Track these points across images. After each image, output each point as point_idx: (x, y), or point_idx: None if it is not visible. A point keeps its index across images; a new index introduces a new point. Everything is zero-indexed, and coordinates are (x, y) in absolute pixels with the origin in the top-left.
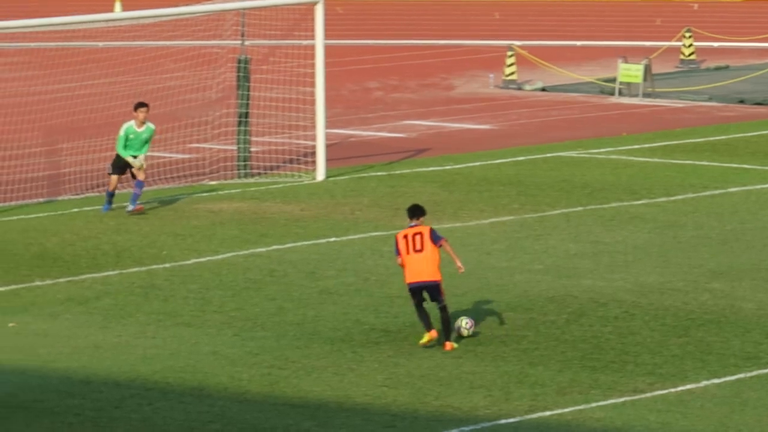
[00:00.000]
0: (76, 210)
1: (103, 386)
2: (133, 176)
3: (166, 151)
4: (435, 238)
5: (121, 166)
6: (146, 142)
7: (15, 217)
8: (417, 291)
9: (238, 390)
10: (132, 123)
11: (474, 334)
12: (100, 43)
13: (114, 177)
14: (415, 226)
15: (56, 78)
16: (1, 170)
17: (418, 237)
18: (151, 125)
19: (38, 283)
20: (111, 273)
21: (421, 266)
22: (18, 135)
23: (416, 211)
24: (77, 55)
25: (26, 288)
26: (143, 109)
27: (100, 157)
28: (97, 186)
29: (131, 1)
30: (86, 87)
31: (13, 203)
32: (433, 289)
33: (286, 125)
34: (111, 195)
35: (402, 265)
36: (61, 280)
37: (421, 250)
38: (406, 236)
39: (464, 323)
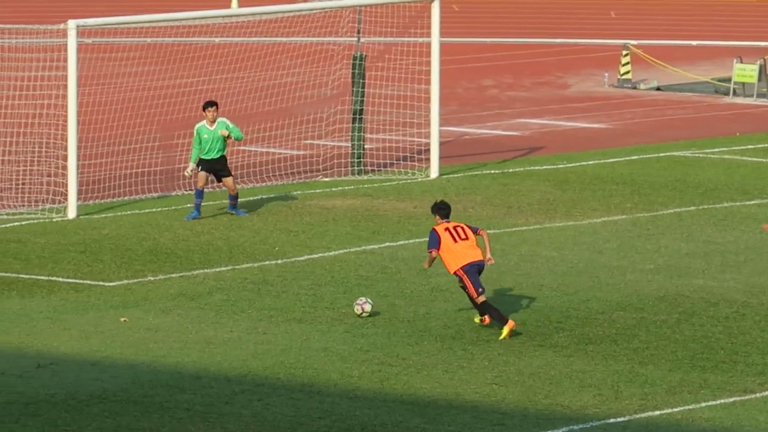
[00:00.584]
0: (189, 205)
1: (213, 381)
2: (218, 179)
3: (281, 148)
4: (473, 228)
5: (206, 165)
6: (222, 140)
7: (129, 212)
8: (474, 270)
9: (348, 386)
10: (204, 123)
11: (373, 314)
12: (217, 39)
13: (203, 173)
14: (449, 221)
15: (173, 73)
16: (116, 165)
17: (459, 229)
18: (222, 119)
19: (151, 278)
20: (223, 269)
21: (472, 250)
22: (134, 130)
23: (448, 210)
24: (194, 51)
25: (139, 283)
26: (211, 109)
27: None
28: (212, 181)
29: None
30: (202, 83)
31: (127, 198)
32: (482, 268)
33: (401, 122)
34: (200, 193)
35: (434, 258)
36: (174, 275)
37: (467, 239)
38: (447, 229)
39: (361, 307)
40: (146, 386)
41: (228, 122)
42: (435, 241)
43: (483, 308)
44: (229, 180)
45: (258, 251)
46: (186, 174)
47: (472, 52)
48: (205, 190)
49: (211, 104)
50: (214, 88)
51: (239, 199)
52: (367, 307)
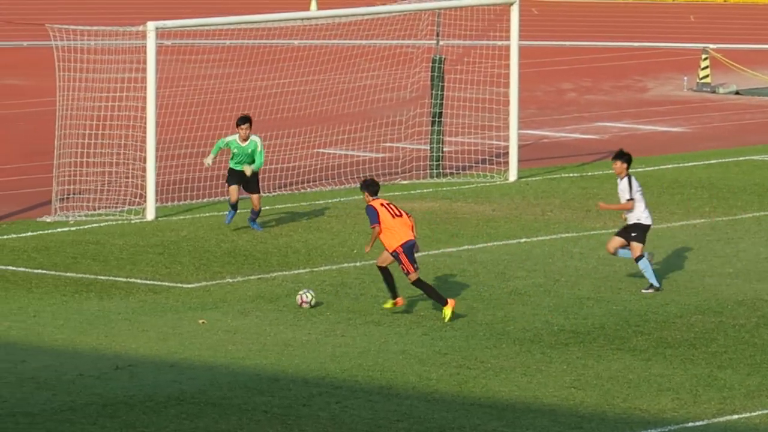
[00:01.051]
0: (267, 208)
1: (291, 384)
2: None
3: (359, 150)
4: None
5: (236, 176)
6: (253, 155)
7: (207, 214)
8: (410, 248)
9: (426, 389)
10: (235, 137)
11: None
12: (296, 41)
13: (233, 187)
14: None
15: (252, 76)
16: (195, 167)
17: (392, 206)
18: (255, 138)
19: (229, 280)
20: (302, 271)
21: (407, 228)
22: (213, 132)
23: (377, 187)
24: (273, 53)
25: (217, 285)
26: (244, 126)
27: (292, 156)
28: (291, 184)
29: (327, 0)
30: (281, 85)
31: (205, 200)
32: (415, 246)
33: (479, 125)
34: (233, 206)
35: (380, 233)
36: (252, 277)
37: (400, 216)
38: (383, 204)
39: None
40: (224, 388)
41: (259, 143)
42: (375, 216)
43: (417, 285)
44: (255, 197)
45: (336, 254)
46: (205, 162)
47: (551, 55)
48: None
49: (245, 120)
50: (293, 91)
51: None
52: (307, 297)
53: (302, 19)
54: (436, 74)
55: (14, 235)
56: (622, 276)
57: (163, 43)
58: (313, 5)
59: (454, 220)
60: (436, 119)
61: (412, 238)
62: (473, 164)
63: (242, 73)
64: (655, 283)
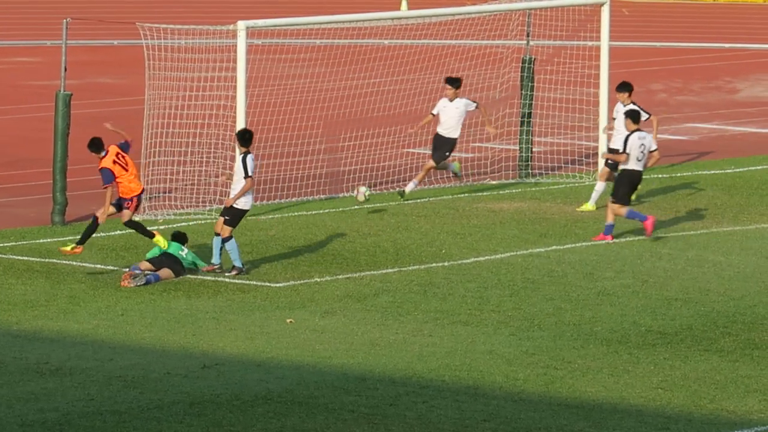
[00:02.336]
0: (356, 207)
1: (378, 383)
2: None
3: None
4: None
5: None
6: None
7: (296, 213)
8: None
9: (513, 389)
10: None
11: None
12: (386, 41)
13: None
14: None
15: (343, 75)
16: (284, 166)
17: (121, 157)
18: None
19: (317, 279)
20: (390, 270)
21: (137, 181)
22: (302, 132)
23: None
24: (364, 53)
25: (305, 284)
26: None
27: (382, 155)
28: (380, 183)
29: (417, 0)
30: (372, 85)
31: (295, 200)
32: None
33: (569, 126)
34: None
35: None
36: (340, 276)
37: (127, 169)
38: (115, 162)
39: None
40: (311, 387)
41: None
42: (111, 177)
43: (129, 225)
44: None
45: (424, 253)
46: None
47: (642, 56)
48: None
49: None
50: (383, 91)
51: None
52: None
53: (392, 18)
54: (525, 74)
55: (103, 234)
56: (710, 277)
57: (253, 42)
58: (404, 5)
59: (543, 221)
60: (526, 119)
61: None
62: (562, 165)
63: (332, 72)
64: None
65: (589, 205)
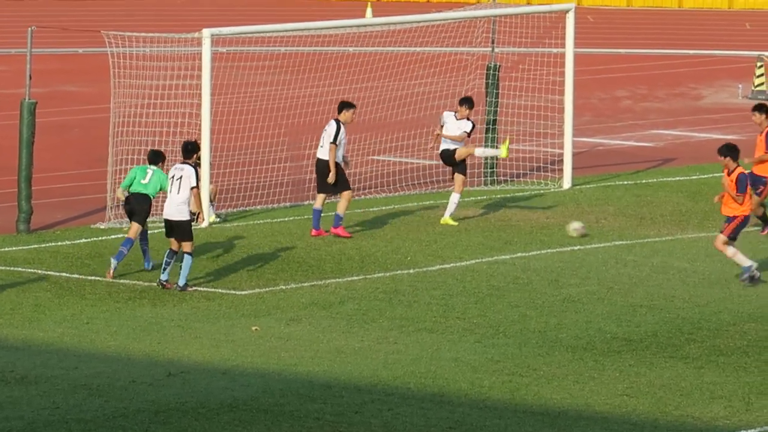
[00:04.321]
0: (322, 215)
1: (344, 391)
2: None
3: (414, 158)
4: None
5: None
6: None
7: (261, 221)
8: None
9: (478, 396)
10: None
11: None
12: (351, 48)
13: None
14: None
15: (307, 83)
16: (250, 174)
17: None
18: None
19: (282, 287)
20: (355, 278)
21: None
22: (267, 140)
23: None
24: (328, 60)
25: (270, 292)
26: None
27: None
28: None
29: (382, 7)
30: (337, 92)
31: (260, 207)
32: None
33: (534, 133)
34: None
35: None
36: (305, 284)
37: None
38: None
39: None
40: (277, 395)
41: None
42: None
43: None
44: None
45: (390, 261)
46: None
47: (607, 62)
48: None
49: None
50: (348, 98)
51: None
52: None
53: (357, 26)
54: (490, 81)
55: (69, 242)
56: (675, 284)
57: (218, 50)
58: (369, 13)
59: (508, 228)
60: (491, 126)
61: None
62: (527, 172)
63: (297, 80)
64: None
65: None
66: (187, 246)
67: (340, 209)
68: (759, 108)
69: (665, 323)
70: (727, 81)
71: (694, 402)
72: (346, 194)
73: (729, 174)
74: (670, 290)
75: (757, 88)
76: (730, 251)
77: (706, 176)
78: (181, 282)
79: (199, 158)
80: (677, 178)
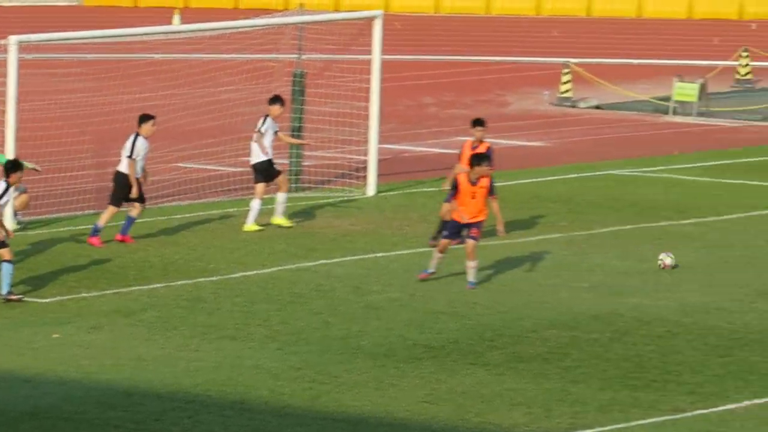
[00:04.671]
0: (122, 222)
1: (144, 399)
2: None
3: (219, 165)
4: None
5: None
6: None
7: (64, 229)
8: None
9: (278, 404)
10: None
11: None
12: (157, 55)
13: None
14: None
15: (114, 90)
16: (53, 182)
17: None
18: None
19: (84, 294)
20: (158, 285)
21: None
22: (72, 147)
23: None
24: (136, 67)
25: (72, 299)
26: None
27: (152, 170)
28: (149, 198)
29: (190, 14)
30: (143, 99)
31: (63, 214)
32: None
33: (340, 140)
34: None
35: None
36: (108, 291)
37: None
38: None
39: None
40: (77, 403)
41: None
42: None
43: None
44: None
45: (192, 268)
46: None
47: (414, 69)
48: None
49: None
50: (154, 105)
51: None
52: (668, 261)
53: (165, 33)
54: (297, 88)
55: None
56: (476, 290)
57: (24, 57)
58: (176, 19)
59: (311, 235)
60: (296, 133)
61: None
62: (332, 179)
63: (103, 87)
64: None
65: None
66: (5, 254)
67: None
68: (477, 122)
69: (466, 330)
70: (534, 88)
71: (494, 409)
72: (137, 206)
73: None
74: (471, 297)
75: (563, 95)
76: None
77: (510, 183)
78: (4, 290)
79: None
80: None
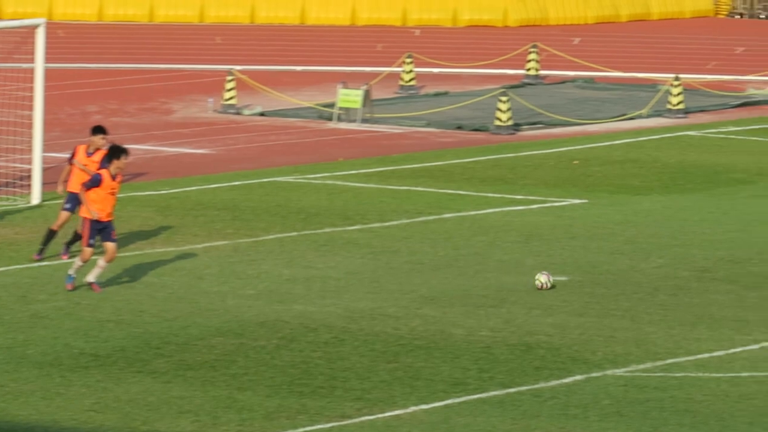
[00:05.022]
0: None
1: None
2: None
3: None
4: None
5: None
6: None
7: None
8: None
9: None
10: None
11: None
12: None
13: None
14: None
15: None
16: None
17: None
18: None
19: None
20: None
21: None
22: None
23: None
24: None
25: None
26: None
27: None
28: None
29: None
30: None
31: None
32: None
33: (3, 148)
34: None
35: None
36: None
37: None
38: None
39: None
40: None
41: None
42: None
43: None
44: None
45: None
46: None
47: (78, 77)
48: None
49: None
50: None
51: None
52: (543, 279)
53: None
54: None
55: None
56: (143, 298)
57: None
58: None
59: None
60: None
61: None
62: None
63: None
64: None
65: None
66: None
67: None
68: (99, 130)
69: (133, 338)
70: (198, 95)
71: (162, 416)
72: None
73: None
74: (138, 305)
75: (227, 102)
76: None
77: (175, 190)
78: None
79: None
80: (146, 193)
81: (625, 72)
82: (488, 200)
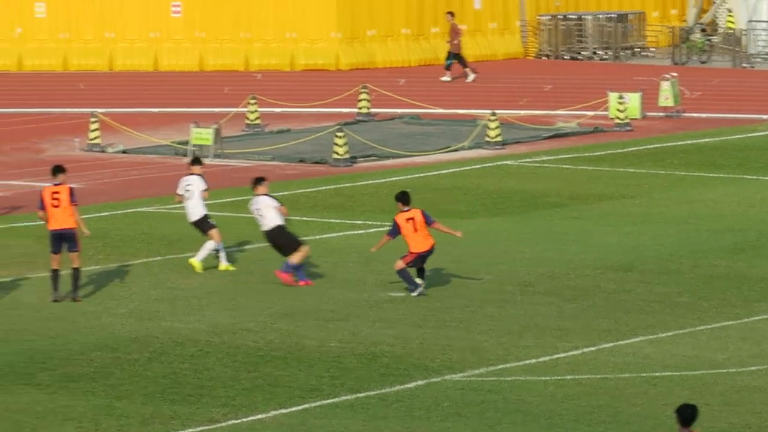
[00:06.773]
0: None
1: None
2: None
3: None
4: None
5: None
6: None
7: None
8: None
9: None
10: None
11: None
12: None
13: None
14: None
15: None
16: None
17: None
18: None
19: None
20: None
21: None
22: None
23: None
24: None
25: None
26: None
27: None
28: None
29: None
30: None
31: None
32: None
33: None
34: None
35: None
36: None
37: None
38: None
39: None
40: None
41: None
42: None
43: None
44: None
45: None
46: None
47: None
48: None
49: None
50: None
51: None
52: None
53: None
54: None
55: None
56: (28, 318)
57: None
58: None
59: None
60: None
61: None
62: None
63: None
64: None
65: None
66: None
67: None
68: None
69: (20, 354)
70: (66, 136)
71: (48, 424)
72: None
73: None
74: (23, 324)
75: (92, 141)
76: None
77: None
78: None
79: None
80: (23, 224)
81: (447, 109)
82: (331, 225)
